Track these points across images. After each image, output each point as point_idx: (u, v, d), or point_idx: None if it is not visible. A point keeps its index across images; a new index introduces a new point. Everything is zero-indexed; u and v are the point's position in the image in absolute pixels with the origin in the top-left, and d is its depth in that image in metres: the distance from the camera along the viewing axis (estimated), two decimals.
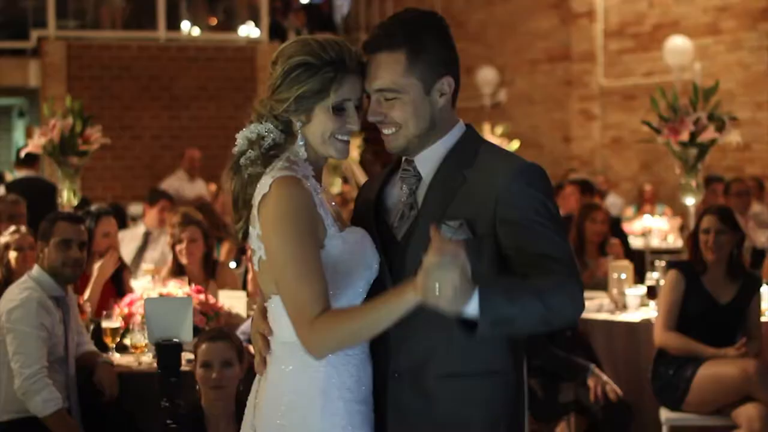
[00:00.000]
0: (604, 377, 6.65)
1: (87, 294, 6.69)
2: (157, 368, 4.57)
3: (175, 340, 4.58)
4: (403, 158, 3.29)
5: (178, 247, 7.34)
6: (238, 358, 5.28)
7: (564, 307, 2.93)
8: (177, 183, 14.07)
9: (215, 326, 6.33)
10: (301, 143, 3.23)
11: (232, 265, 8.78)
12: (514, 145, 15.41)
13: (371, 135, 16.67)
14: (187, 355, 5.50)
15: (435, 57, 3.19)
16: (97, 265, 6.87)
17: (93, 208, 7.43)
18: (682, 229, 12.60)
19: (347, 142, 3.23)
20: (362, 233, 3.19)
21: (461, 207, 3.09)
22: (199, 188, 14.45)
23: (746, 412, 6.37)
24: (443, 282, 2.70)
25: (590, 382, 6.61)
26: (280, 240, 3.01)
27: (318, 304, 2.94)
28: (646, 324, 7.21)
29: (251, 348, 6.09)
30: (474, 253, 2.86)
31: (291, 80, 3.23)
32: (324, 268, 3.01)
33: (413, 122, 3.18)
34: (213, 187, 14.62)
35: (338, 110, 3.19)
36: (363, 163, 16.75)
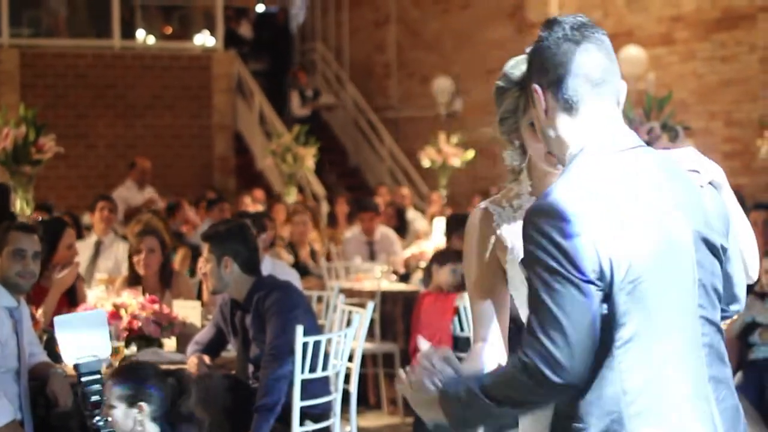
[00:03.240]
0: None
1: (44, 305, 6.63)
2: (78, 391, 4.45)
3: (94, 356, 4.46)
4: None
5: (135, 258, 7.31)
6: None
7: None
8: (126, 193, 14.00)
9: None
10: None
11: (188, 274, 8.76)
12: (469, 155, 15.48)
13: (325, 144, 16.68)
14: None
15: None
16: (56, 276, 6.81)
17: (55, 216, 7.37)
18: None
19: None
20: None
21: None
22: (148, 196, 14.39)
23: None
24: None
25: None
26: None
27: None
28: None
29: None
30: None
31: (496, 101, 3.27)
32: None
33: None
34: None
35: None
36: (318, 172, 16.74)
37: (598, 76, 2.87)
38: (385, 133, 19.31)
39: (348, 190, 16.07)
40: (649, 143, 7.99)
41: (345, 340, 6.30)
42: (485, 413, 2.75)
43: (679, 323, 2.78)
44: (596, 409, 2.72)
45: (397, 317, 9.57)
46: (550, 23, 2.95)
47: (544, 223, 2.68)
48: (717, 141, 14.41)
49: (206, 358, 6.11)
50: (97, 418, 4.33)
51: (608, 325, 2.70)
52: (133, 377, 4.54)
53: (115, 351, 5.80)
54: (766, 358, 6.92)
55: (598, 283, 2.66)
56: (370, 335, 8.92)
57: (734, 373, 7.09)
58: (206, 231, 6.44)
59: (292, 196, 14.13)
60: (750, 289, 6.90)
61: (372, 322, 8.79)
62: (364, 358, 8.89)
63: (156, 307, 6.44)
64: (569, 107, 2.88)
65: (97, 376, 4.32)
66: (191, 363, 6.03)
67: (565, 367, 2.61)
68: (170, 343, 6.55)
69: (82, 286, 7.33)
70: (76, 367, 4.35)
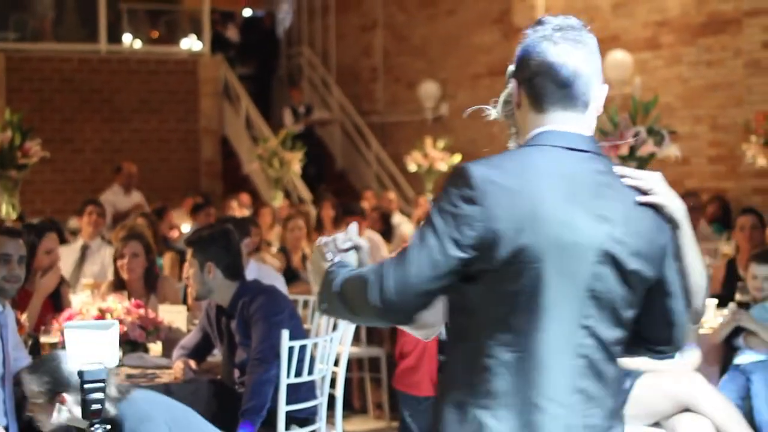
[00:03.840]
0: None
1: (28, 310, 6.63)
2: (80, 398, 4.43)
3: (100, 364, 4.44)
4: None
5: (119, 262, 7.30)
6: None
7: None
8: (112, 197, 13.99)
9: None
10: None
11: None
12: (456, 159, 15.48)
13: (313, 150, 16.67)
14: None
15: None
16: (38, 281, 6.81)
17: (35, 222, 7.36)
18: None
19: None
20: None
21: None
22: (135, 200, 14.38)
23: (686, 423, 6.42)
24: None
25: None
26: None
27: None
28: None
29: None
30: None
31: None
32: None
33: None
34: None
35: None
36: (305, 177, 16.74)
37: (567, 78, 2.94)
38: (371, 137, 19.31)
39: (334, 194, 16.08)
40: (635, 147, 8.04)
41: (331, 345, 6.30)
42: (335, 305, 2.97)
43: (550, 324, 2.83)
44: (464, 377, 2.89)
45: None
46: (538, 22, 3.05)
47: (451, 185, 2.85)
48: (702, 145, 14.44)
49: (192, 363, 6.11)
50: (97, 426, 4.32)
51: (478, 300, 2.87)
52: (45, 370, 4.52)
53: None
54: (750, 362, 6.94)
55: (470, 253, 2.80)
56: (355, 340, 8.92)
57: (719, 376, 7.11)
58: (189, 236, 6.45)
59: (278, 201, 14.12)
60: (730, 299, 6.90)
61: (358, 326, 8.80)
62: (349, 362, 8.88)
63: (141, 311, 6.44)
64: (535, 104, 2.98)
65: (101, 385, 4.31)
66: (177, 368, 6.03)
67: (390, 301, 2.82)
68: (156, 348, 6.55)
69: (67, 291, 7.32)
70: (80, 374, 4.34)
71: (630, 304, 2.92)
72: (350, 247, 3.12)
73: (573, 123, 2.97)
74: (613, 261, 2.87)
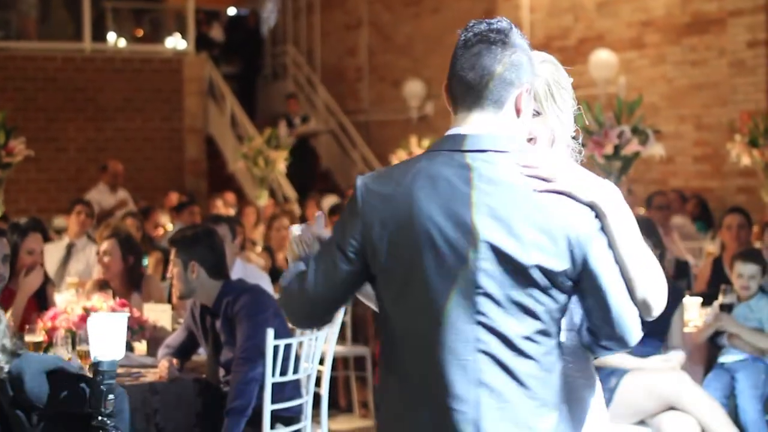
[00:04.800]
0: None
1: (12, 308, 6.61)
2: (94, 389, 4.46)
3: (113, 358, 4.48)
4: None
5: (98, 259, 7.33)
6: None
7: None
8: (98, 196, 13.96)
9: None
10: None
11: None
12: None
13: (296, 147, 16.65)
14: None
15: None
16: (22, 280, 6.79)
17: (21, 222, 7.33)
18: None
19: None
20: None
21: None
22: (121, 198, 14.35)
23: (671, 421, 6.43)
24: None
25: None
26: None
27: None
28: None
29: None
30: None
31: None
32: None
33: None
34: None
35: None
36: (290, 176, 16.72)
37: (473, 79, 3.02)
38: (356, 136, 19.31)
39: (319, 193, 16.05)
40: (619, 146, 8.06)
41: (316, 343, 6.30)
42: (281, 300, 3.17)
43: (444, 322, 2.90)
44: (386, 365, 3.06)
45: (368, 320, 9.57)
46: (466, 27, 3.12)
47: (349, 198, 3.05)
48: (687, 145, 14.48)
49: (176, 362, 6.10)
50: (109, 419, 4.33)
51: (381, 297, 3.03)
52: None
53: (86, 354, 5.78)
54: (734, 359, 6.96)
55: (357, 264, 2.99)
56: (341, 338, 8.92)
57: (704, 374, 7.13)
58: (173, 236, 6.43)
59: (263, 200, 14.10)
60: (716, 297, 6.91)
61: (343, 325, 8.79)
62: (335, 361, 8.89)
63: (126, 310, 6.42)
64: (452, 106, 3.11)
65: (114, 378, 4.37)
66: (162, 367, 6.02)
67: (296, 308, 3.12)
68: (141, 347, 6.54)
69: (52, 290, 7.30)
70: (97, 364, 4.37)
71: (539, 299, 2.91)
72: (314, 239, 3.20)
73: (480, 123, 3.02)
74: (501, 256, 2.89)
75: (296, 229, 3.23)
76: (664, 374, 6.53)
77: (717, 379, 6.92)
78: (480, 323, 2.89)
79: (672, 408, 6.48)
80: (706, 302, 7.77)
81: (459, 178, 2.92)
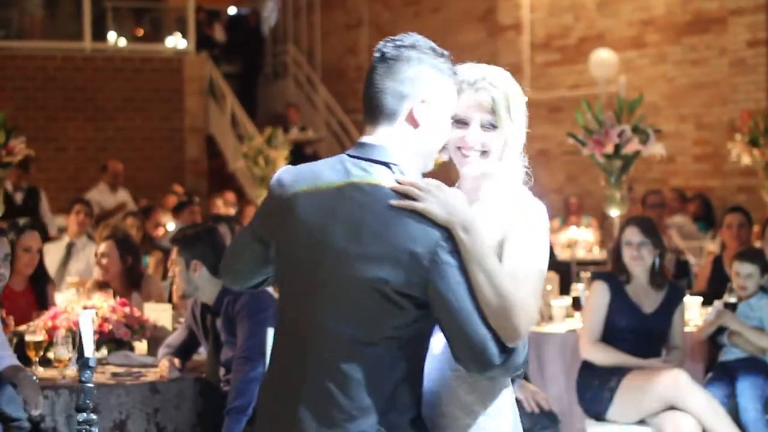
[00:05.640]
0: (532, 387, 6.67)
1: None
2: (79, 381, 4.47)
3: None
4: None
5: (96, 260, 7.33)
6: None
7: None
8: (98, 196, 13.95)
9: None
10: None
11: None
12: (441, 157, 15.45)
13: (296, 147, 16.64)
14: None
15: None
16: (19, 280, 6.80)
17: (20, 221, 7.31)
18: (602, 243, 12.72)
19: None
20: None
21: None
22: (121, 199, 14.34)
23: (672, 421, 6.43)
24: None
25: (519, 394, 6.62)
26: None
27: None
28: (572, 335, 7.25)
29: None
30: None
31: None
32: None
33: None
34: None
35: None
36: None
37: (371, 93, 3.14)
38: (357, 135, 19.25)
39: None
40: (620, 146, 8.05)
41: None
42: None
43: (295, 319, 3.09)
44: None
45: None
46: (376, 47, 3.22)
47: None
48: (687, 144, 14.47)
49: (177, 361, 6.10)
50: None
51: None
52: None
53: None
54: (735, 359, 6.96)
55: (262, 247, 3.25)
56: None
57: (705, 373, 7.12)
58: (175, 235, 6.43)
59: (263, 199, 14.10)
60: (715, 297, 6.90)
61: None
62: None
63: (127, 310, 6.42)
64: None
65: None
66: (162, 366, 6.02)
67: (222, 269, 3.47)
68: (141, 346, 6.53)
69: (52, 289, 7.30)
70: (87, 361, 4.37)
71: (377, 311, 2.96)
72: None
73: (376, 135, 3.13)
74: (347, 264, 2.98)
75: None
76: (664, 374, 6.52)
77: (718, 379, 6.91)
78: (324, 326, 3.01)
79: (672, 407, 6.47)
80: (707, 301, 7.76)
81: (335, 182, 3.05)
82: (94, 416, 4.30)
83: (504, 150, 3.35)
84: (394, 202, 2.97)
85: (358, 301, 2.96)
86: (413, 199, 2.97)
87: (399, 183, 3.00)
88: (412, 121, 3.12)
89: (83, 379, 4.24)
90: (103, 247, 7.31)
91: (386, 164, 3.06)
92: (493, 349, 2.96)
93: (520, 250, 3.14)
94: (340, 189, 3.04)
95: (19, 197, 12.67)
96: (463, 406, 3.22)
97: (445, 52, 3.24)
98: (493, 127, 3.31)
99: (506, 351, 2.97)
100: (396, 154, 3.08)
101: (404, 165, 3.08)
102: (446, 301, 2.95)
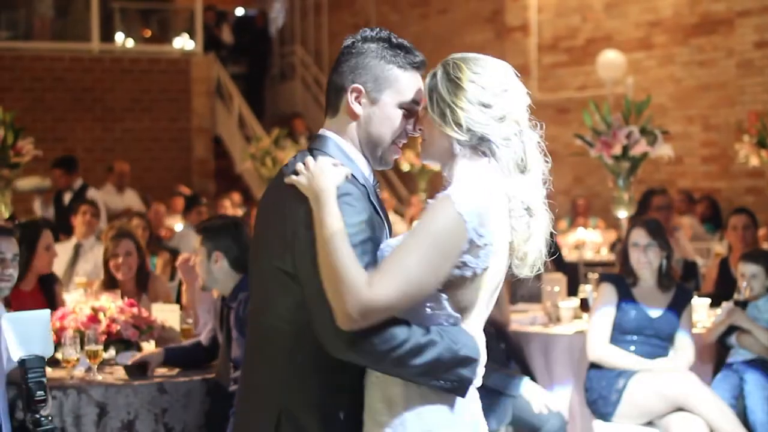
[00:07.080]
0: (539, 389, 6.67)
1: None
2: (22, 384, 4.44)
3: (37, 354, 4.44)
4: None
5: (112, 262, 7.27)
6: None
7: None
8: (105, 197, 13.97)
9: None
10: None
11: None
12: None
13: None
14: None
15: None
16: (28, 280, 6.81)
17: (31, 221, 7.32)
18: (613, 245, 12.71)
19: None
20: None
21: None
22: (128, 200, 14.36)
23: (680, 422, 6.42)
24: None
25: (526, 395, 6.62)
26: None
27: None
28: (580, 336, 7.24)
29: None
30: None
31: None
32: None
33: None
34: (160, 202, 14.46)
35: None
36: None
37: (327, 87, 3.28)
38: None
39: None
40: (627, 147, 8.04)
41: None
42: None
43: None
44: None
45: None
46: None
47: None
48: (695, 145, 14.47)
49: (151, 366, 6.11)
50: (41, 413, 4.31)
51: None
52: None
53: (94, 354, 5.79)
54: (743, 360, 6.95)
55: None
56: None
57: (712, 375, 7.12)
58: (201, 223, 6.40)
59: None
60: (723, 298, 6.90)
61: None
62: None
63: (135, 310, 6.42)
64: None
65: (42, 372, 4.30)
66: (152, 351, 6.09)
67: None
68: (149, 347, 6.54)
69: (60, 289, 7.31)
70: (21, 362, 4.33)
71: (276, 291, 3.08)
72: None
73: (324, 126, 3.23)
74: (258, 250, 3.18)
75: None
76: (672, 375, 6.52)
77: (725, 380, 6.91)
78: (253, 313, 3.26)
79: (680, 409, 6.47)
80: (714, 303, 7.76)
81: (283, 171, 3.13)
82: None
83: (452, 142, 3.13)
84: (287, 179, 3.06)
85: (264, 282, 3.11)
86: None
87: (304, 165, 3.05)
88: (350, 111, 3.16)
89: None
90: (124, 245, 7.25)
91: (325, 153, 3.13)
92: (331, 328, 2.86)
93: (397, 241, 3.04)
94: (275, 179, 3.20)
95: (67, 198, 12.75)
96: (373, 412, 3.06)
97: (405, 43, 3.24)
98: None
99: (358, 333, 2.82)
100: (336, 143, 3.16)
101: (336, 152, 3.14)
102: (299, 275, 2.98)
